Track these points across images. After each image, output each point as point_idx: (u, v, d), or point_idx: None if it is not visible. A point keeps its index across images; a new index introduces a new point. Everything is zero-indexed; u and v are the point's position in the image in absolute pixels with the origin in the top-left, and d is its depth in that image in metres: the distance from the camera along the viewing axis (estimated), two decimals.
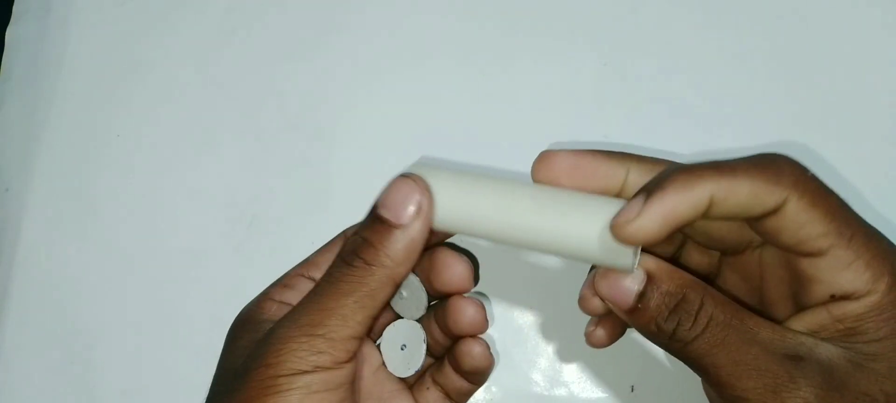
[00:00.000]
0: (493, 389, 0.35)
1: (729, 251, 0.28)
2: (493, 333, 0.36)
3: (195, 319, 0.38)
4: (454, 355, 0.29)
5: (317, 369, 0.24)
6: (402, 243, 0.25)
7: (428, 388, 0.30)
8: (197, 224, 0.39)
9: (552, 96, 0.39)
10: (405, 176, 0.26)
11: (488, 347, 0.29)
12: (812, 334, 0.24)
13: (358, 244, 0.26)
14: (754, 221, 0.24)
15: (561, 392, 0.35)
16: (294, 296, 0.29)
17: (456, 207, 0.26)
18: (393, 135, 0.39)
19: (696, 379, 0.34)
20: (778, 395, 0.22)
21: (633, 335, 0.36)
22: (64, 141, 0.41)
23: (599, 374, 0.35)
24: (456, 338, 0.29)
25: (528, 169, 0.26)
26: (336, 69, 0.41)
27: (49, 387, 0.38)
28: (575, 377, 0.35)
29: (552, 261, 0.37)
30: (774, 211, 0.23)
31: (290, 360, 0.24)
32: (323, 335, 0.25)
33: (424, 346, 0.30)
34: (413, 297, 0.30)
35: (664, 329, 0.24)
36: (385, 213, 0.26)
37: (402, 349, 0.30)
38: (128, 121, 0.41)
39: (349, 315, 0.25)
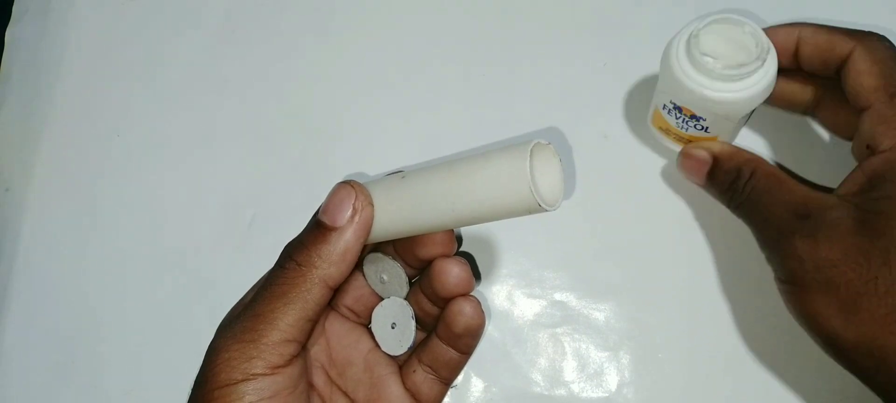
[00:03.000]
0: (494, 389, 0.35)
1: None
2: (493, 333, 0.36)
3: (195, 319, 0.38)
4: (445, 320, 0.29)
5: (250, 377, 0.24)
6: (336, 245, 0.26)
7: (414, 371, 0.30)
8: (197, 224, 0.39)
9: (552, 96, 0.39)
10: (344, 182, 0.27)
11: (479, 303, 0.29)
12: (843, 196, 0.27)
13: (293, 247, 0.26)
14: (834, 66, 0.29)
15: (561, 392, 0.35)
16: None
17: (392, 209, 0.26)
18: (393, 135, 0.39)
19: (688, 376, 0.34)
20: (783, 239, 0.28)
21: (628, 341, 0.36)
22: (64, 141, 0.41)
23: (599, 374, 0.35)
24: (444, 303, 0.29)
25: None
26: (336, 69, 0.41)
27: (49, 387, 0.38)
28: (575, 377, 0.35)
29: (554, 263, 0.37)
30: (846, 59, 0.28)
31: (223, 372, 0.25)
32: (254, 341, 0.25)
33: (413, 320, 0.30)
34: (393, 279, 0.30)
35: (725, 192, 0.31)
36: (322, 217, 0.26)
37: (392, 327, 0.30)
38: (128, 121, 0.41)
39: (280, 318, 0.25)
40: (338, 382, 0.30)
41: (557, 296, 0.36)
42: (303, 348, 0.26)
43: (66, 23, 0.43)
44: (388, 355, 0.31)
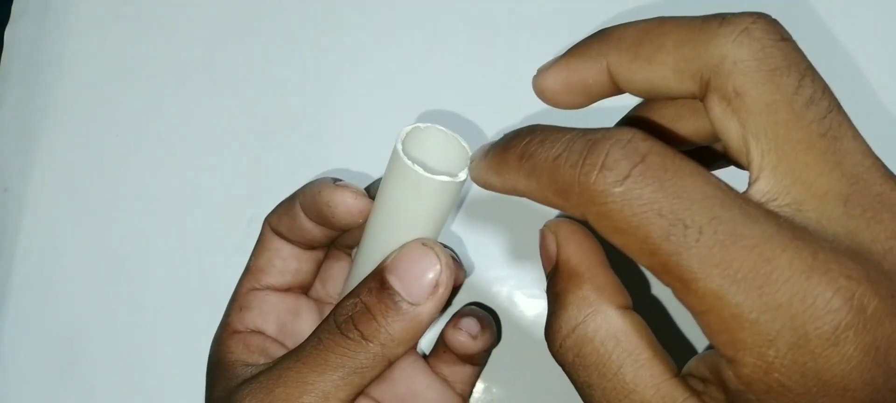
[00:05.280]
0: (494, 390, 0.35)
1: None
2: None
3: (194, 319, 0.37)
4: (449, 347, 0.28)
5: None
6: (409, 323, 0.22)
7: (445, 352, 0.29)
8: (196, 224, 0.39)
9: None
10: (422, 244, 0.22)
11: (478, 325, 0.27)
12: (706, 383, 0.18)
13: (358, 311, 0.22)
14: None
15: (562, 393, 0.35)
16: (255, 317, 0.27)
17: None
18: (393, 136, 0.39)
19: None
20: None
21: None
22: (63, 141, 0.41)
23: None
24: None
25: None
26: (336, 69, 0.41)
27: (47, 388, 0.38)
28: None
29: None
30: (698, 100, 0.18)
31: None
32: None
33: None
34: None
35: (547, 335, 0.20)
36: (396, 284, 0.22)
37: None
38: (127, 121, 0.41)
39: (332, 393, 0.21)
40: None
41: None
42: None
43: (66, 22, 0.43)
44: None
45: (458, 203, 0.24)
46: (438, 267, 0.22)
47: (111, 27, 0.43)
